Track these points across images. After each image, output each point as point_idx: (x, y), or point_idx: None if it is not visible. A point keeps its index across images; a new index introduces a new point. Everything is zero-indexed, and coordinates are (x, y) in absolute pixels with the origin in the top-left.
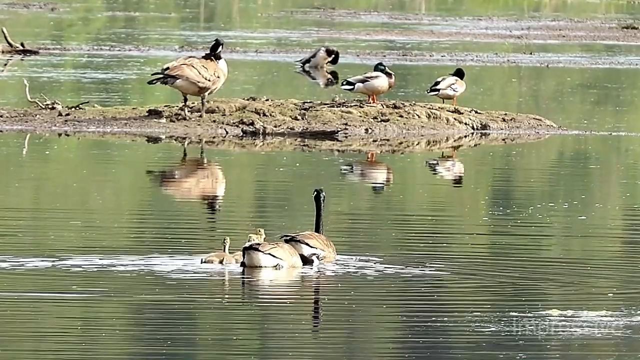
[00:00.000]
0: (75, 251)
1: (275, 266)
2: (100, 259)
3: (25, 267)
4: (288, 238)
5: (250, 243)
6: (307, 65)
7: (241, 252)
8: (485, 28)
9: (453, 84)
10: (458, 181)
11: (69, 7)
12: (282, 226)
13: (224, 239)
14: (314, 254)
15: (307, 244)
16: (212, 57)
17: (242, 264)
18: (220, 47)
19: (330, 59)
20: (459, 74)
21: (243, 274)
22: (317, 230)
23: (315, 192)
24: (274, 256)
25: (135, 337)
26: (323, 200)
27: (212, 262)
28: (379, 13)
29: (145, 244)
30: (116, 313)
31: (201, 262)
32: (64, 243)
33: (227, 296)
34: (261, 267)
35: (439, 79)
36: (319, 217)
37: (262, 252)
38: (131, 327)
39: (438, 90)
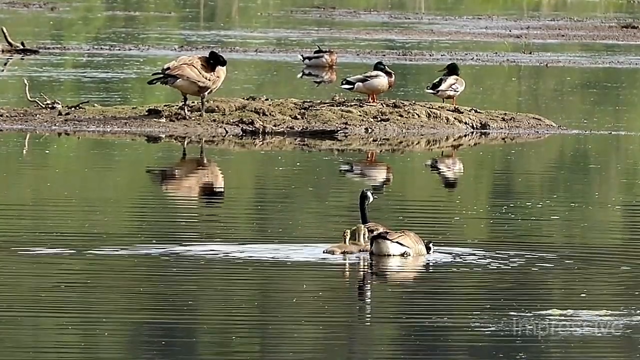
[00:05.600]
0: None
1: (403, 254)
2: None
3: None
4: (376, 235)
5: (378, 232)
6: (308, 61)
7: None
8: (484, 27)
9: (453, 84)
10: (457, 180)
11: (69, 7)
12: (282, 226)
13: (345, 232)
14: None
15: (392, 241)
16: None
17: (371, 253)
18: (217, 57)
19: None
20: (454, 70)
21: (370, 262)
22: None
23: (362, 193)
24: (401, 244)
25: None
26: (367, 200)
27: (334, 253)
28: (378, 12)
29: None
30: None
31: (323, 252)
32: (83, 235)
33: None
34: (389, 255)
35: (436, 81)
36: (364, 215)
37: (390, 240)
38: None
39: (439, 91)
